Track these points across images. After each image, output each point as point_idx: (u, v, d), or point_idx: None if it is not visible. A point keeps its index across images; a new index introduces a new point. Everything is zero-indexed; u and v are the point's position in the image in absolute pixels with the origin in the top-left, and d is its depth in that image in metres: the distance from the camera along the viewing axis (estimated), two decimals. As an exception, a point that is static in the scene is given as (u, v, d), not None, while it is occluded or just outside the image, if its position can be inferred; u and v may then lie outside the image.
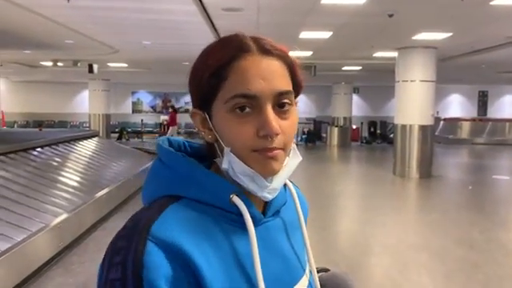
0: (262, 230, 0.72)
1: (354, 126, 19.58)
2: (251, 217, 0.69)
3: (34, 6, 6.51)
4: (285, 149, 0.69)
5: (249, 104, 0.67)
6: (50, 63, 13.52)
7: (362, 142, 19.13)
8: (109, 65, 14.16)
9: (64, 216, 5.00)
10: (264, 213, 0.73)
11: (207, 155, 0.74)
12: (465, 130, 19.77)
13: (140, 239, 0.61)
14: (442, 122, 20.20)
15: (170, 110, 16.18)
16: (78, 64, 13.12)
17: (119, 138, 18.66)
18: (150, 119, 22.43)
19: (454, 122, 20.21)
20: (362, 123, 19.78)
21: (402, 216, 6.92)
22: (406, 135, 10.15)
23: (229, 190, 0.68)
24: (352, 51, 10.90)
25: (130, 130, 20.46)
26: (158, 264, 0.60)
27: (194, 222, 0.66)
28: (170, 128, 16.12)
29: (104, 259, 0.65)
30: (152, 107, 23.06)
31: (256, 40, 0.70)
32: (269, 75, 0.67)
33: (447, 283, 4.29)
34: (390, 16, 6.67)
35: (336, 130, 18.18)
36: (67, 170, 7.15)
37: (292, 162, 0.73)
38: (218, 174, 0.70)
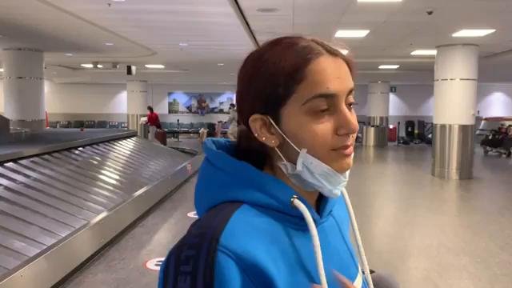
0: (319, 231, 0.71)
1: (391, 126, 19.20)
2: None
3: (77, 11, 6.75)
4: (353, 144, 0.72)
5: (326, 104, 0.67)
6: (90, 65, 13.96)
7: (399, 143, 18.74)
8: (146, 66, 14.48)
9: (105, 214, 5.15)
10: (319, 213, 0.74)
11: (255, 157, 0.73)
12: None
13: (210, 249, 0.60)
14: (482, 122, 19.53)
15: (148, 110, 16.36)
16: (117, 66, 13.48)
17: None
18: (186, 119, 22.78)
19: (496, 122, 19.49)
20: (399, 123, 19.37)
21: (441, 218, 6.74)
22: (446, 135, 9.88)
23: (290, 194, 0.69)
24: (389, 50, 10.70)
25: (166, 130, 20.84)
26: (230, 276, 0.60)
27: (260, 228, 0.65)
28: (150, 128, 16.25)
29: (167, 265, 0.63)
30: (188, 107, 23.40)
31: (320, 42, 0.71)
32: (342, 74, 0.69)
33: (490, 288, 4.15)
34: (430, 13, 6.51)
35: (372, 129, 17.88)
36: (107, 168, 7.37)
37: None
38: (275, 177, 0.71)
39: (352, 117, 0.68)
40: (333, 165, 0.68)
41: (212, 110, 23.33)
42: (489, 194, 8.84)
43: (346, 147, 0.68)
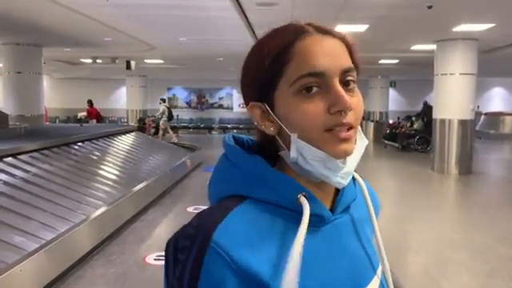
0: (331, 228, 0.68)
1: (391, 121, 19.20)
2: (319, 215, 0.66)
3: (75, 5, 6.72)
4: (355, 128, 0.66)
5: (316, 83, 0.64)
6: (89, 60, 13.93)
7: (398, 137, 18.72)
8: (146, 61, 14.45)
9: (104, 208, 5.15)
10: (333, 210, 0.70)
11: (269, 151, 0.71)
12: (507, 125, 19.03)
13: (202, 242, 0.60)
14: (483, 117, 19.53)
15: (88, 104, 16.19)
16: (117, 61, 13.46)
17: (155, 133, 19.03)
18: (186, 115, 22.75)
19: (495, 117, 19.49)
20: (398, 118, 19.36)
21: (440, 213, 6.75)
22: (445, 130, 9.87)
23: (296, 190, 0.65)
24: (389, 44, 10.68)
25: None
26: (216, 273, 0.59)
27: (259, 226, 0.64)
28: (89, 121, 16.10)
29: (167, 251, 0.65)
30: (187, 103, 23.38)
31: (312, 24, 0.68)
32: (333, 52, 0.65)
33: (489, 282, 4.15)
34: (429, 7, 6.49)
35: (372, 124, 17.88)
36: (106, 163, 7.37)
37: (360, 144, 0.69)
38: (286, 172, 0.68)
39: (347, 95, 0.64)
40: (326, 148, 0.64)
41: (212, 106, 23.31)
42: (488, 189, 8.86)
43: (342, 129, 0.63)
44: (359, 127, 0.68)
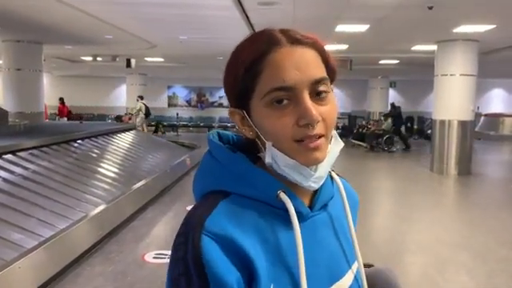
0: (309, 224, 0.72)
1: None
2: (298, 212, 0.69)
3: (77, 3, 6.71)
4: (326, 135, 0.69)
5: (286, 96, 0.67)
6: (89, 58, 13.92)
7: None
8: (146, 59, 14.44)
9: (103, 206, 5.15)
10: (311, 207, 0.74)
11: (252, 149, 0.75)
12: (507, 126, 19.02)
13: (195, 234, 0.64)
14: (482, 118, 19.52)
15: (59, 102, 16.26)
16: (117, 59, 13.44)
17: (155, 132, 19.03)
18: (186, 113, 22.74)
19: (495, 118, 19.49)
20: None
21: (439, 213, 6.75)
22: (445, 131, 9.87)
23: (276, 187, 0.69)
24: (389, 44, 10.67)
25: (165, 123, 20.82)
26: (216, 257, 0.63)
27: (243, 217, 0.68)
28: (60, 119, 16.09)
29: (170, 255, 0.68)
30: (187, 101, 23.36)
31: (285, 32, 0.70)
32: (302, 65, 0.67)
33: (488, 283, 4.15)
34: (430, 8, 6.49)
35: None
36: (106, 161, 7.36)
37: (334, 148, 0.73)
38: (265, 169, 0.71)
39: (314, 107, 0.66)
40: (298, 157, 0.68)
41: (212, 104, 23.30)
42: (487, 190, 8.85)
43: (311, 140, 0.67)
44: (334, 131, 0.72)
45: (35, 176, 5.34)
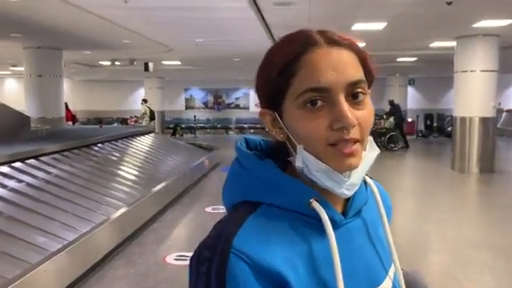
0: (343, 232, 0.69)
1: (410, 119, 18.96)
2: (331, 220, 0.67)
3: (94, 8, 6.81)
4: (362, 141, 0.66)
5: (320, 97, 0.64)
6: (108, 62, 14.11)
7: (417, 136, 18.50)
8: (163, 63, 14.56)
9: (124, 209, 5.21)
10: (345, 213, 0.71)
11: (281, 154, 0.72)
12: (530, 122, 18.59)
13: (223, 251, 0.62)
14: (504, 114, 19.13)
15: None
16: (135, 63, 13.59)
17: (173, 134, 19.20)
18: (203, 115, 22.87)
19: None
20: (417, 116, 19.10)
21: (461, 213, 6.64)
22: (466, 128, 9.70)
23: (308, 195, 0.66)
24: (407, 42, 10.54)
25: (183, 125, 20.99)
26: (242, 278, 0.60)
27: (275, 232, 0.65)
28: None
29: (191, 265, 0.66)
30: (204, 103, 23.48)
31: (322, 32, 0.68)
32: (339, 65, 0.65)
33: (513, 283, 4.07)
34: (449, 4, 6.38)
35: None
36: (126, 164, 7.45)
37: (369, 155, 0.70)
38: (295, 176, 0.69)
39: (350, 110, 0.64)
40: (331, 162, 0.65)
41: (228, 106, 23.37)
42: (510, 188, 8.66)
43: (346, 145, 0.64)
44: (370, 137, 0.69)
45: (57, 180, 5.43)
